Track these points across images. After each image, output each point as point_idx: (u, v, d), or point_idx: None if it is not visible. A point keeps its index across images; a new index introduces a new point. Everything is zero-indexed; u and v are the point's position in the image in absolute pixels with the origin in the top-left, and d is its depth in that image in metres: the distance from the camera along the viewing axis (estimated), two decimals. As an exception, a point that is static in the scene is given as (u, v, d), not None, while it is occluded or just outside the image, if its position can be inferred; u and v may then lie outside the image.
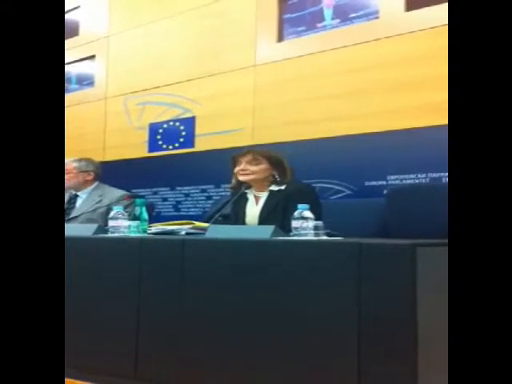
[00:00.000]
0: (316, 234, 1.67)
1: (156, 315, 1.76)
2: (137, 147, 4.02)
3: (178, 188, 3.83)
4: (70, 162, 3.06)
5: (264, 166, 2.37)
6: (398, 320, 1.38)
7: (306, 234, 1.68)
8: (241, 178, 2.40)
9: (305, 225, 1.69)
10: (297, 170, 2.51)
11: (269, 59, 3.49)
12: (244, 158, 2.39)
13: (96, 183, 3.17)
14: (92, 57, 4.42)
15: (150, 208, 3.02)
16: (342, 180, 3.13)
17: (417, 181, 2.89)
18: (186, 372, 1.69)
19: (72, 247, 1.78)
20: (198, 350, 1.68)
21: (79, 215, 2.91)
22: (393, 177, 2.97)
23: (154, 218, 3.07)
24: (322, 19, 3.34)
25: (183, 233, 2.02)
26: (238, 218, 2.44)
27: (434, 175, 2.84)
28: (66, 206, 3.04)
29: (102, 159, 4.16)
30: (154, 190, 3.95)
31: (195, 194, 3.75)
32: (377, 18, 3.13)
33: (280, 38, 3.48)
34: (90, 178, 3.15)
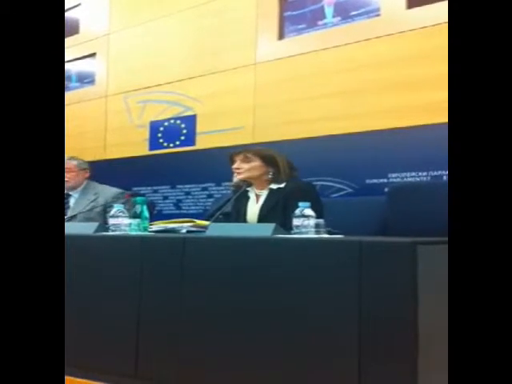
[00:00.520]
0: (317, 232, 1.67)
1: (157, 313, 1.76)
2: (138, 145, 4.02)
3: (179, 186, 3.83)
4: (68, 160, 3.05)
5: (256, 163, 2.39)
6: (398, 318, 1.38)
7: (306, 232, 1.68)
8: (236, 177, 2.42)
9: (306, 223, 1.69)
10: (298, 168, 2.51)
11: (269, 57, 3.48)
12: (238, 157, 2.43)
13: (86, 181, 3.15)
14: (92, 55, 4.42)
15: (151, 206, 3.02)
16: (342, 178, 3.13)
17: (418, 179, 2.89)
18: (186, 371, 1.69)
19: (73, 245, 1.78)
20: (198, 348, 1.68)
21: (76, 214, 2.89)
22: (394, 175, 2.97)
23: (155, 216, 3.07)
24: (323, 17, 3.34)
25: (184, 231, 2.02)
26: (239, 215, 2.45)
27: (435, 173, 2.84)
28: None
29: (102, 157, 4.17)
30: (155, 188, 3.95)
31: (196, 192, 3.75)
32: (378, 15, 3.12)
33: (281, 36, 3.48)
34: (87, 175, 3.15)
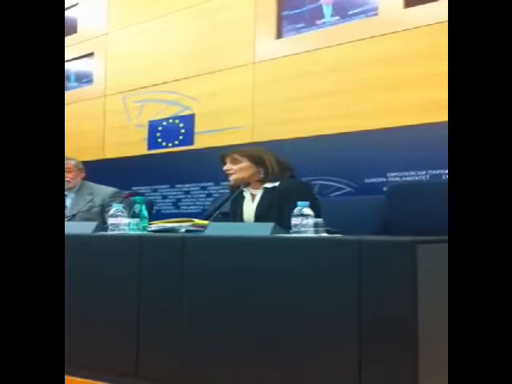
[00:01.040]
0: (316, 232, 1.67)
1: (156, 313, 1.76)
2: (136, 145, 4.01)
3: (178, 185, 3.83)
4: (66, 160, 3.01)
5: (244, 164, 2.40)
6: (398, 317, 1.38)
7: (305, 232, 1.68)
8: (229, 178, 2.43)
9: (305, 222, 1.69)
10: (297, 168, 2.51)
11: (268, 56, 3.48)
12: (227, 159, 2.44)
13: (81, 182, 3.15)
14: (90, 54, 4.42)
15: (150, 206, 3.02)
16: (341, 177, 3.13)
17: (417, 178, 2.89)
18: (187, 370, 1.69)
19: (72, 245, 1.78)
20: (198, 347, 1.68)
21: (75, 215, 2.89)
22: (393, 174, 2.97)
23: (154, 215, 3.07)
24: (322, 16, 3.34)
25: (183, 230, 2.02)
26: (235, 215, 2.45)
27: (434, 172, 2.84)
28: None
29: (101, 157, 4.17)
30: (154, 187, 3.94)
31: (195, 192, 3.75)
32: (376, 14, 3.12)
33: (279, 35, 3.48)
34: (83, 175, 3.14)
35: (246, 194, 2.47)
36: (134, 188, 3.93)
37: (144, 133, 4.00)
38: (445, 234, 1.21)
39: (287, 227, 1.73)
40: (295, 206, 1.74)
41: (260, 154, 2.42)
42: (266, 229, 1.71)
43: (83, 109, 4.34)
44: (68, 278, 1.40)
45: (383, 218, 2.57)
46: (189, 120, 3.80)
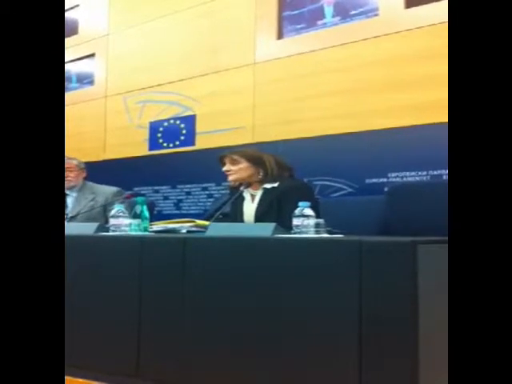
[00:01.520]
0: (317, 232, 1.67)
1: (157, 313, 1.76)
2: (137, 145, 4.02)
3: (179, 186, 3.83)
4: (67, 160, 3.04)
5: (243, 165, 2.41)
6: (398, 318, 1.38)
7: (306, 232, 1.68)
8: (229, 178, 2.44)
9: (306, 222, 1.69)
10: (297, 168, 2.52)
11: (268, 57, 3.48)
12: (226, 159, 2.45)
13: (83, 181, 3.16)
14: (92, 55, 4.42)
15: (151, 206, 3.02)
16: (342, 178, 3.13)
17: (417, 178, 2.89)
18: (187, 370, 1.69)
19: (73, 246, 1.78)
20: (199, 347, 1.68)
21: (78, 214, 2.90)
22: (393, 174, 2.97)
23: (155, 216, 3.07)
24: (323, 17, 3.34)
25: (184, 231, 2.03)
26: (235, 216, 2.46)
27: (435, 172, 2.84)
28: None
29: (102, 158, 4.17)
30: (155, 188, 3.95)
31: (196, 192, 3.75)
32: (376, 15, 3.12)
33: (280, 36, 3.48)
34: (84, 175, 3.16)
35: (246, 194, 2.47)
36: (136, 189, 3.93)
37: (145, 133, 4.01)
38: (445, 234, 1.21)
39: (288, 227, 1.73)
40: (295, 207, 1.74)
41: (259, 155, 2.43)
42: (267, 229, 1.71)
43: (84, 110, 4.34)
44: (69, 278, 1.40)
45: (384, 219, 2.57)
46: (190, 121, 3.80)
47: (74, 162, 3.11)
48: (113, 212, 2.04)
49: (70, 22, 4.40)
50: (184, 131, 3.83)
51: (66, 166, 2.98)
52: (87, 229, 2.08)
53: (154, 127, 3.98)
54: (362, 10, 3.19)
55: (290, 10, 3.46)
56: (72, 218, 2.90)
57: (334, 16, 3.30)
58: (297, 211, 1.72)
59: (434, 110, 2.77)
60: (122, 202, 2.49)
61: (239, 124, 3.54)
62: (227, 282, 1.66)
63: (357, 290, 1.44)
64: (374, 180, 3.03)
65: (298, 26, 3.42)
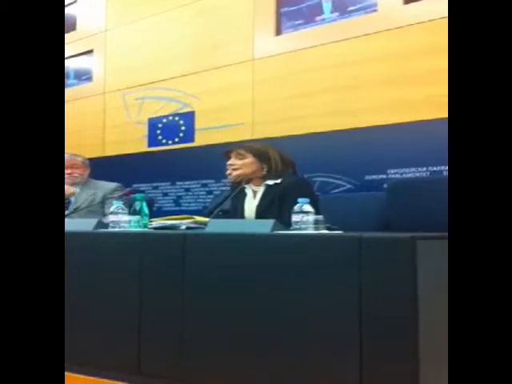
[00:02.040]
0: (316, 228, 1.67)
1: (158, 309, 1.76)
2: (136, 142, 4.01)
3: (179, 183, 3.83)
4: (73, 156, 3.13)
5: (249, 160, 2.41)
6: (398, 314, 1.38)
7: (306, 228, 1.68)
8: (232, 173, 2.43)
9: (305, 219, 1.69)
10: (297, 164, 2.51)
11: (267, 53, 3.48)
12: (232, 154, 2.45)
13: (87, 177, 3.22)
14: (90, 51, 4.41)
15: (151, 203, 3.03)
16: (342, 174, 3.13)
17: (417, 174, 2.89)
18: (188, 366, 1.69)
19: (73, 242, 1.78)
20: (200, 344, 1.68)
21: (77, 210, 2.93)
22: (393, 171, 2.97)
23: (155, 212, 3.08)
24: (321, 12, 3.33)
25: (183, 227, 2.02)
26: (236, 212, 2.45)
27: (434, 169, 2.84)
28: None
29: (101, 154, 4.16)
30: (155, 184, 3.94)
31: (196, 189, 3.75)
32: (375, 11, 3.12)
33: (278, 32, 3.47)
34: (88, 171, 3.22)
35: (248, 190, 2.47)
36: (135, 185, 3.93)
37: (144, 130, 4.00)
38: (445, 230, 1.21)
39: (288, 224, 1.73)
40: (296, 203, 1.74)
41: (265, 151, 2.42)
42: (266, 226, 1.71)
43: (83, 106, 4.33)
44: (69, 275, 1.40)
45: (383, 215, 2.57)
46: (189, 117, 3.80)
47: (79, 159, 3.18)
48: (112, 208, 2.04)
49: (68, 18, 4.38)
50: (183, 128, 3.82)
51: (72, 162, 3.08)
52: (86, 225, 2.08)
53: (152, 124, 3.97)
54: (360, 5, 3.18)
55: (288, 6, 3.45)
56: (72, 213, 2.93)
57: (332, 12, 3.29)
58: (296, 207, 1.72)
59: (433, 106, 2.77)
60: (120, 198, 2.51)
61: (238, 120, 3.54)
62: (226, 278, 1.66)
63: (356, 286, 1.44)
64: (374, 176, 3.03)
65: (297, 22, 3.41)
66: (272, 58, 3.45)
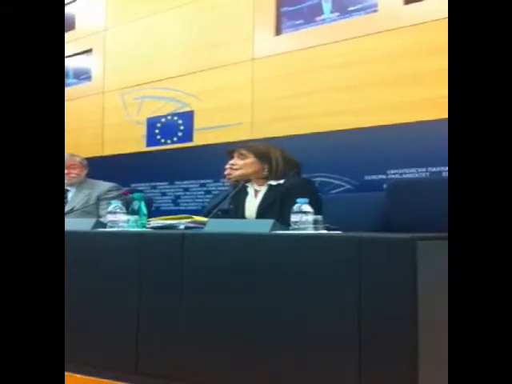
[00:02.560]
0: (315, 228, 1.67)
1: (156, 309, 1.76)
2: (135, 141, 4.01)
3: (177, 182, 3.82)
4: (71, 157, 3.16)
5: (250, 160, 2.41)
6: (398, 314, 1.38)
7: (305, 228, 1.68)
8: (233, 173, 2.42)
9: (304, 219, 1.69)
10: (300, 164, 2.51)
11: (267, 53, 3.47)
12: (234, 153, 2.46)
13: (84, 177, 3.23)
14: (89, 51, 4.40)
15: (149, 202, 3.02)
16: (341, 174, 3.12)
17: (417, 175, 2.89)
18: (187, 366, 1.69)
19: (71, 241, 1.77)
20: (198, 343, 1.67)
21: (73, 209, 2.95)
22: (392, 171, 2.97)
23: (153, 212, 3.07)
24: (321, 12, 3.33)
25: (182, 227, 2.02)
26: (237, 211, 2.45)
27: (434, 169, 2.84)
28: None
29: (100, 154, 4.16)
30: (153, 184, 3.94)
31: (194, 189, 3.74)
32: (375, 11, 3.11)
33: (278, 32, 3.47)
34: (86, 171, 3.23)
35: (250, 189, 2.47)
36: (133, 185, 3.92)
37: (143, 129, 4.00)
38: (445, 230, 1.20)
39: (289, 225, 1.73)
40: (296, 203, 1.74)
41: (267, 151, 2.42)
42: (265, 226, 1.71)
43: (82, 105, 4.33)
44: (67, 275, 1.40)
45: (383, 215, 2.57)
46: (188, 117, 3.79)
47: (77, 159, 3.21)
48: (110, 208, 2.03)
49: (67, 18, 4.37)
50: (182, 127, 3.82)
51: (69, 163, 3.12)
52: (84, 225, 2.07)
53: (151, 123, 3.97)
54: (360, 5, 3.18)
55: (289, 6, 3.44)
56: (67, 213, 2.94)
57: (332, 12, 3.29)
58: (295, 207, 1.72)
59: (433, 107, 2.77)
60: (116, 198, 2.51)
61: (237, 120, 3.53)
62: (225, 278, 1.65)
63: (356, 286, 1.43)
64: (373, 177, 3.02)
65: (297, 22, 3.41)
66: (272, 58, 3.45)
